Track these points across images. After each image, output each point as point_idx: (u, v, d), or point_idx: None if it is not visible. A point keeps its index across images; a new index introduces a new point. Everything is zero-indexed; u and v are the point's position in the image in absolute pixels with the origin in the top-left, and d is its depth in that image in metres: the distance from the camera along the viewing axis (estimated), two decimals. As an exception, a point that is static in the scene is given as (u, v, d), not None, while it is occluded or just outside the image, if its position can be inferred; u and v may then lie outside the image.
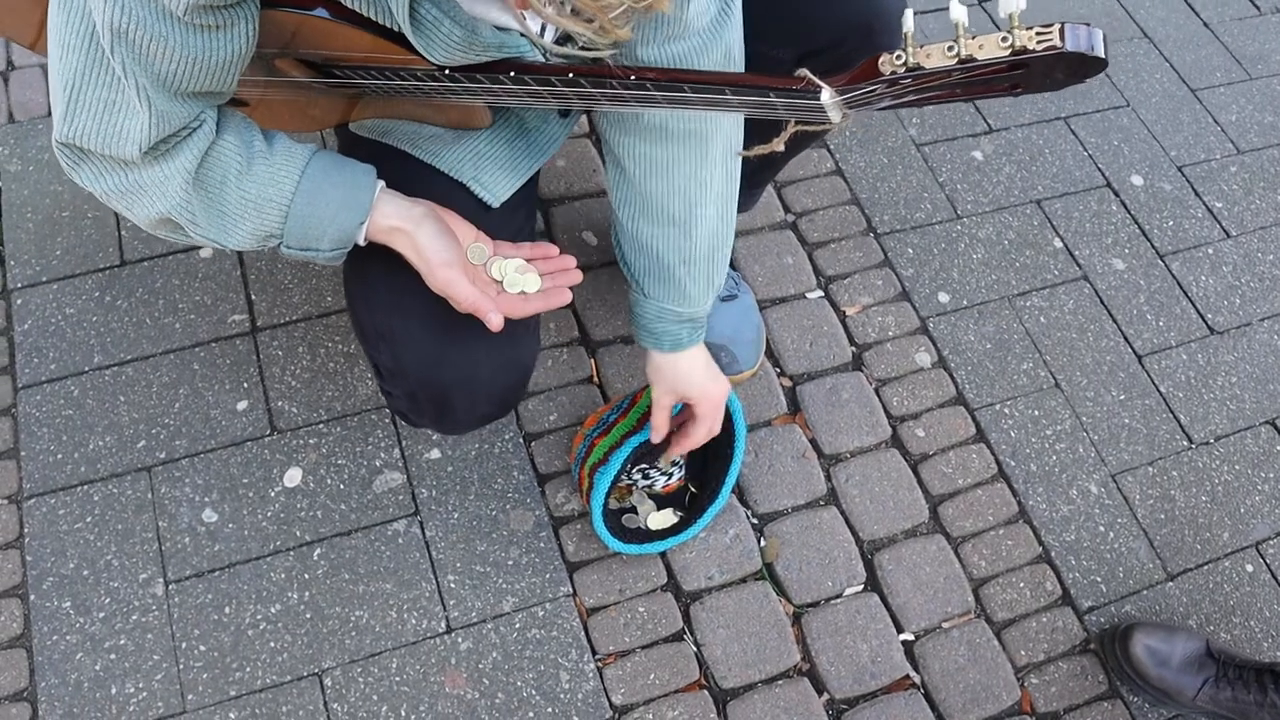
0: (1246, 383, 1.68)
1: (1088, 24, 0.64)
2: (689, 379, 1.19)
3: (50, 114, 1.64)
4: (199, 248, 1.55)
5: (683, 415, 1.27)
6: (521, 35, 0.91)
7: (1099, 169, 1.89)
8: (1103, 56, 0.63)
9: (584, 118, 1.74)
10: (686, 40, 0.97)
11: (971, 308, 1.68)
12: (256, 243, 0.92)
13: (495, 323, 0.95)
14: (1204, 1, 2.19)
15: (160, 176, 0.86)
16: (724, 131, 1.07)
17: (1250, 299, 1.77)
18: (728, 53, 1.01)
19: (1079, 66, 0.65)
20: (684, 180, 1.07)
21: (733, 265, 1.64)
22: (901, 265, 1.71)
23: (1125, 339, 1.69)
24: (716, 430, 1.24)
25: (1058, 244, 1.78)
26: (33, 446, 1.37)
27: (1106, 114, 1.97)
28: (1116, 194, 1.86)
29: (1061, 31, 0.62)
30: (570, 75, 0.87)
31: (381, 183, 0.95)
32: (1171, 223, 1.84)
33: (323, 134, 1.67)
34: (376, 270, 1.03)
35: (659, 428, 1.23)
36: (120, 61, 0.79)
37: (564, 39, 0.95)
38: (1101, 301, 1.73)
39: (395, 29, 0.85)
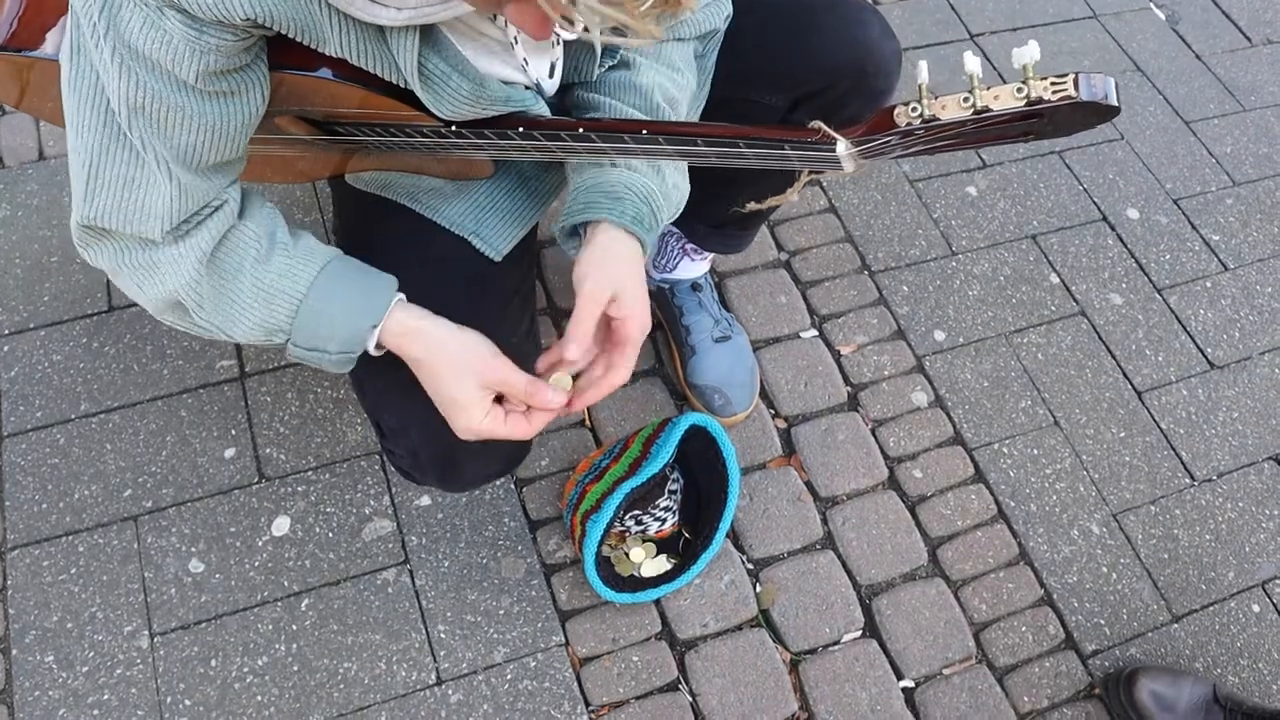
0: (1248, 418, 1.66)
1: (1101, 73, 0.65)
2: (632, 274, 0.92)
3: (40, 159, 1.65)
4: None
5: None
6: (527, 89, 0.91)
7: (1094, 203, 1.88)
8: (1116, 105, 0.64)
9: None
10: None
11: (968, 345, 1.66)
12: (262, 336, 0.89)
13: (558, 401, 0.90)
14: (1196, 34, 2.19)
15: (175, 254, 0.85)
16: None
17: (1250, 332, 1.76)
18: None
19: (1092, 114, 0.66)
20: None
21: (726, 306, 1.62)
22: (896, 303, 1.69)
23: (1124, 375, 1.67)
24: (624, 373, 0.92)
25: (1054, 279, 1.76)
26: (17, 496, 1.35)
27: (1100, 147, 1.96)
28: (1112, 228, 1.85)
29: (1076, 81, 0.64)
30: (580, 130, 0.86)
31: (402, 295, 0.92)
32: (1168, 256, 1.83)
33: (315, 185, 1.67)
34: None
35: (583, 336, 0.90)
36: (139, 136, 0.78)
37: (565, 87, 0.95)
38: (1099, 337, 1.71)
39: (402, 85, 0.85)
